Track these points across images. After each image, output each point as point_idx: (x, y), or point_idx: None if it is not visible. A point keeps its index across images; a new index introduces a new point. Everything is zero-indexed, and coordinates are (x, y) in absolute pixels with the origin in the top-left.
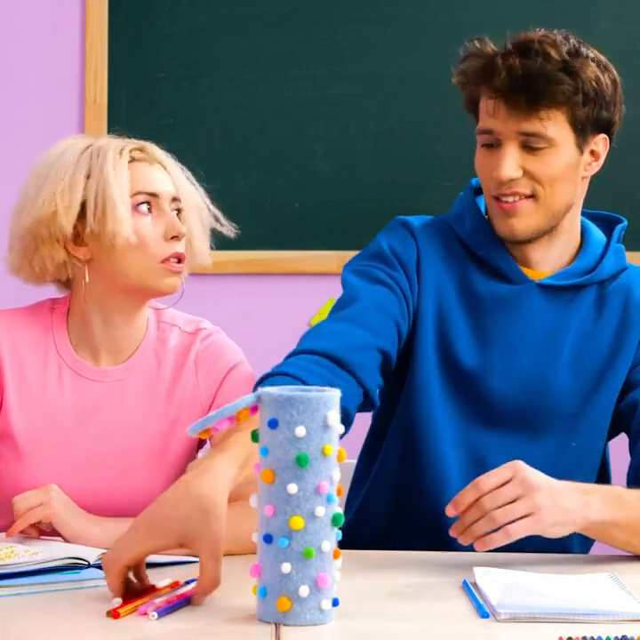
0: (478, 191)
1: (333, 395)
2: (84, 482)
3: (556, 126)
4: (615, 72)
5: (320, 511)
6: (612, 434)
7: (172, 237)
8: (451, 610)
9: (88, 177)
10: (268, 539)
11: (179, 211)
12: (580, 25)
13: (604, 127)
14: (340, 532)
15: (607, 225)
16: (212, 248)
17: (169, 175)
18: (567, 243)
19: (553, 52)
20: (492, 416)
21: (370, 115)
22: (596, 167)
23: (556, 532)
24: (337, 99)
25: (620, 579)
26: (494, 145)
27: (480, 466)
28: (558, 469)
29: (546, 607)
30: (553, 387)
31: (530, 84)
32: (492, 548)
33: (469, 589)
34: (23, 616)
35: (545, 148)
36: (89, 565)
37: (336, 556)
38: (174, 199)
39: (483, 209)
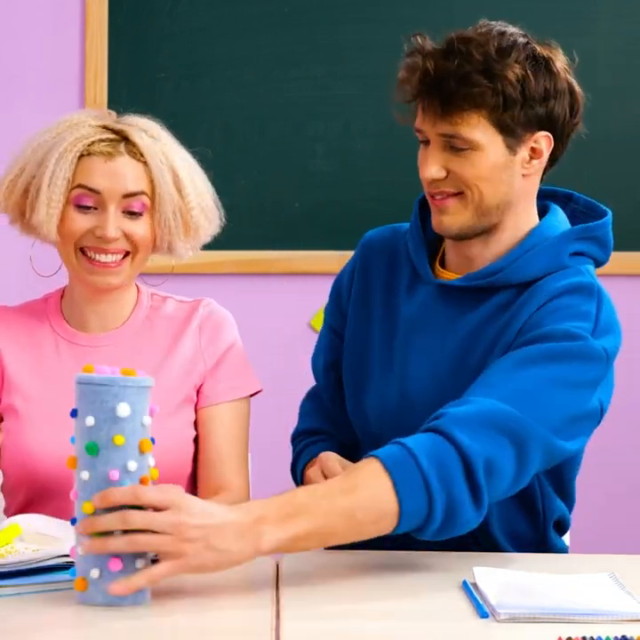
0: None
1: (126, 387)
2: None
3: (476, 128)
4: (561, 63)
5: None
6: None
7: (99, 237)
8: (450, 610)
9: (39, 165)
10: (73, 522)
11: (144, 206)
12: (580, 25)
13: (544, 125)
14: None
15: (593, 218)
16: (211, 248)
17: (138, 166)
18: (509, 240)
19: (475, 53)
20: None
21: (370, 115)
22: (539, 165)
23: (215, 568)
24: (337, 99)
25: (619, 579)
26: (426, 143)
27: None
28: None
29: (545, 607)
30: (438, 386)
31: (442, 86)
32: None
33: (469, 589)
34: (22, 615)
35: (468, 150)
36: None
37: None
38: (131, 195)
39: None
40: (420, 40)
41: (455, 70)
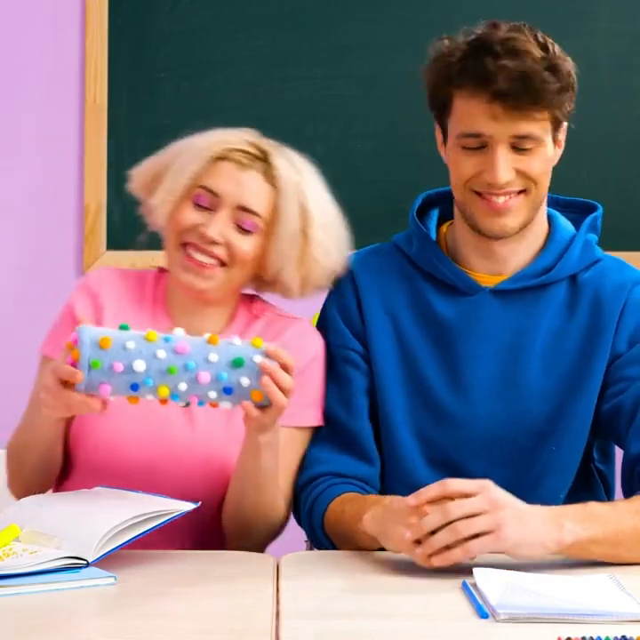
0: (422, 208)
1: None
2: (162, 433)
3: (544, 125)
4: None
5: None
6: (599, 436)
7: (201, 235)
8: (450, 610)
9: (176, 155)
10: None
11: (255, 227)
12: (580, 25)
13: (569, 116)
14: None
15: (581, 213)
16: None
17: (266, 187)
18: (537, 235)
19: (534, 50)
20: (465, 435)
21: (370, 115)
22: (559, 155)
23: (523, 553)
24: (337, 99)
25: (619, 579)
26: (479, 148)
27: (450, 467)
28: (533, 475)
29: (545, 607)
30: (525, 390)
31: (527, 86)
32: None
33: (469, 590)
34: (22, 616)
35: (533, 148)
36: (88, 564)
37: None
38: (246, 210)
39: (433, 223)
40: (452, 41)
41: (531, 69)
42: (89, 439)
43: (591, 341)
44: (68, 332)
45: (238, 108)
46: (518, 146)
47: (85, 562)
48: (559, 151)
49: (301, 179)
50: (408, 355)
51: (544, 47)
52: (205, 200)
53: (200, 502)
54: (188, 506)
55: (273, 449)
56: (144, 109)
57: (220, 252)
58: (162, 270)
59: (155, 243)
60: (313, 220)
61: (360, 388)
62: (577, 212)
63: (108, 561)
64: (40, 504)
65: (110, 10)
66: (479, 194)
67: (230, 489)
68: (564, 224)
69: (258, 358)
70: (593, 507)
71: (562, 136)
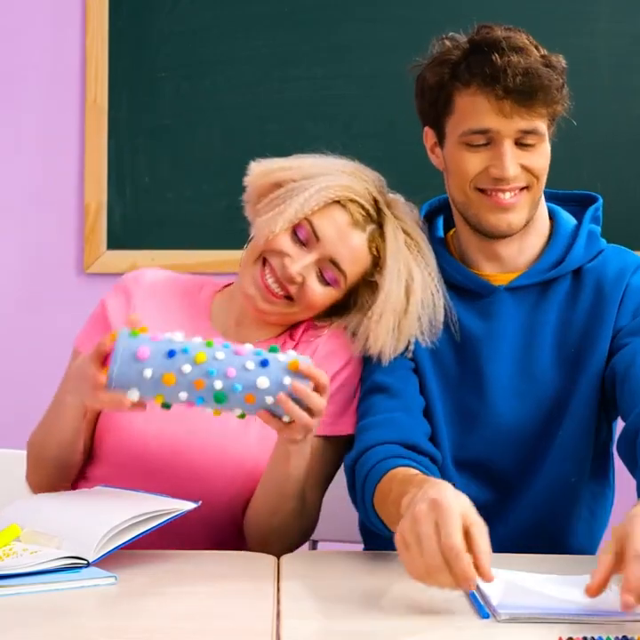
0: (434, 213)
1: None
2: (193, 431)
3: (543, 121)
4: None
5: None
6: (611, 415)
7: (282, 270)
8: (451, 610)
9: (305, 177)
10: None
11: (336, 282)
12: (579, 25)
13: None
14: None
15: (580, 206)
16: (213, 247)
17: (364, 253)
18: (540, 230)
19: (532, 49)
20: (490, 435)
21: (371, 115)
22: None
23: None
24: (337, 99)
25: (620, 579)
26: (483, 144)
27: (477, 466)
28: (545, 460)
29: (546, 607)
30: (538, 382)
31: (536, 81)
32: None
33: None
34: (22, 616)
35: (535, 144)
36: (88, 564)
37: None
38: (334, 263)
39: (440, 230)
40: (453, 41)
41: (534, 65)
42: (116, 432)
43: (594, 325)
44: (98, 328)
45: (238, 108)
46: (522, 141)
47: (86, 562)
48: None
49: (413, 260)
50: (438, 359)
51: (537, 46)
52: (305, 235)
53: (200, 502)
54: (189, 505)
55: (303, 457)
56: (144, 109)
57: (292, 288)
58: (212, 282)
59: (156, 242)
60: (416, 299)
61: (411, 370)
62: (577, 204)
63: (108, 561)
64: (40, 504)
65: (110, 10)
66: (484, 192)
67: (256, 495)
68: (566, 217)
69: (287, 379)
70: None
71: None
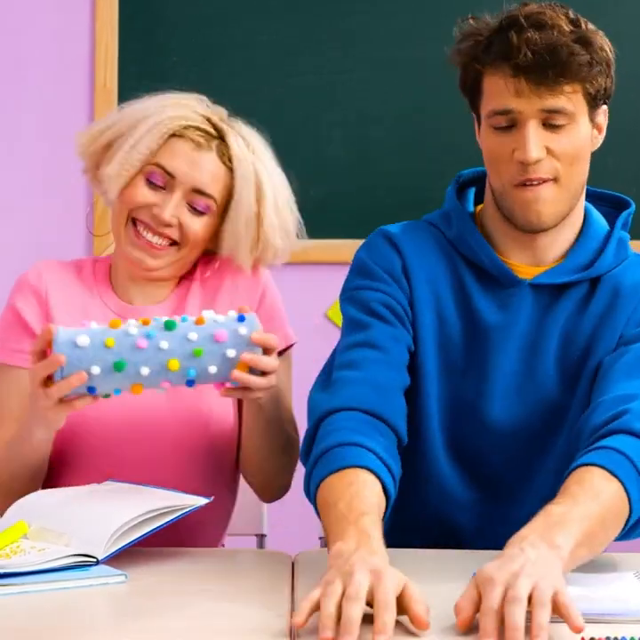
0: (465, 184)
1: (59, 330)
2: (144, 410)
3: (573, 100)
4: None
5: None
6: None
7: (154, 215)
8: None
9: (130, 127)
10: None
11: (209, 209)
12: (603, 8)
13: (608, 97)
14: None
15: (614, 208)
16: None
17: (221, 169)
18: (573, 227)
19: (563, 24)
20: (485, 429)
21: (385, 101)
22: (599, 141)
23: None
24: (352, 84)
25: None
26: (510, 127)
27: (469, 459)
28: (544, 467)
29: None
30: (540, 384)
31: (553, 57)
32: None
33: None
34: (31, 615)
35: (565, 125)
36: (97, 562)
37: (199, 322)
38: (200, 192)
39: (471, 204)
40: (478, 21)
41: (556, 40)
42: (72, 428)
43: (601, 334)
44: (18, 336)
45: (251, 93)
46: (550, 122)
47: (95, 560)
48: (599, 137)
49: (256, 159)
50: (444, 340)
51: (575, 22)
52: (159, 179)
53: (213, 497)
54: (201, 500)
55: (273, 401)
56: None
57: (171, 233)
58: (96, 259)
59: None
60: (268, 202)
61: (406, 343)
62: (608, 205)
63: (117, 558)
64: (48, 500)
65: None
66: (518, 186)
67: (245, 448)
68: (598, 218)
69: (231, 353)
70: (555, 511)
71: (601, 120)
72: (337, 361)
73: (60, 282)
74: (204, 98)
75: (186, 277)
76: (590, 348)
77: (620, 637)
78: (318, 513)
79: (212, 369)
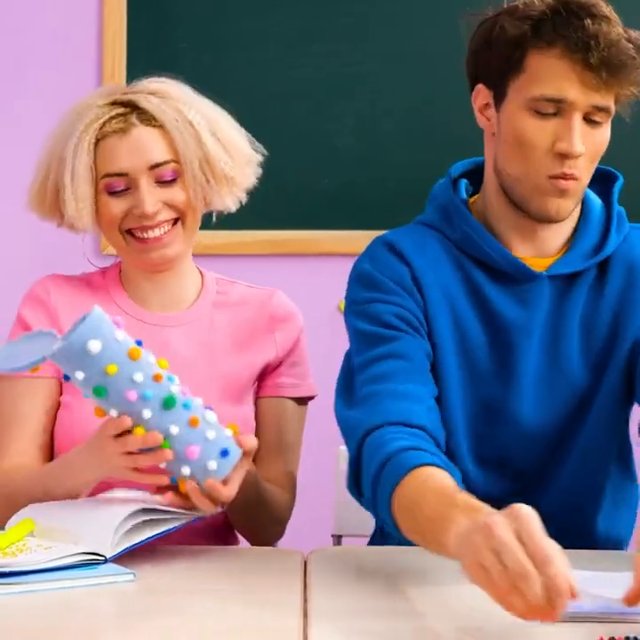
0: (460, 176)
1: (81, 328)
2: None
3: (615, 100)
4: None
5: (146, 413)
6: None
7: (139, 216)
8: (486, 607)
9: (60, 162)
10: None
11: (176, 173)
12: None
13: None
14: (189, 400)
15: (601, 182)
16: (233, 227)
17: (155, 133)
18: (573, 216)
19: (616, 21)
20: (515, 431)
21: (397, 92)
22: None
23: None
24: (363, 75)
25: None
26: (552, 114)
27: (497, 461)
28: (570, 460)
29: (588, 606)
30: (565, 375)
31: (620, 57)
32: None
33: None
34: (37, 615)
35: (602, 122)
36: (105, 561)
37: (193, 423)
38: (157, 165)
39: (464, 193)
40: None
41: (618, 39)
42: (67, 427)
43: (624, 312)
44: None
45: (261, 83)
46: (591, 117)
47: (103, 558)
48: None
49: (173, 101)
50: (465, 346)
51: (616, 20)
52: (118, 185)
53: (226, 506)
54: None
55: (251, 480)
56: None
57: (165, 215)
58: (104, 268)
59: None
60: (206, 140)
61: (427, 353)
62: (597, 180)
63: (125, 557)
64: None
65: None
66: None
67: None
68: (593, 198)
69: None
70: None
71: None
72: (363, 376)
73: (69, 295)
74: (101, 88)
75: (206, 282)
76: (615, 330)
77: (639, 637)
78: (395, 523)
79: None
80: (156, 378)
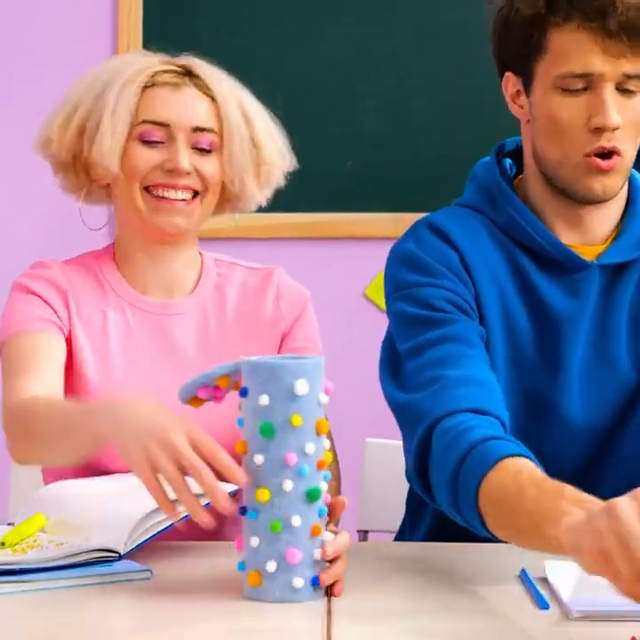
0: (503, 156)
1: (303, 363)
2: None
3: None
4: None
5: (288, 485)
6: None
7: (169, 171)
8: (512, 606)
9: (96, 100)
10: (242, 511)
11: (213, 144)
12: None
13: None
14: (325, 507)
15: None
16: (262, 209)
17: (205, 101)
18: (618, 201)
19: None
20: (561, 427)
21: (426, 68)
22: None
23: None
24: (390, 51)
25: None
26: (582, 90)
27: (541, 457)
28: (616, 457)
29: (622, 605)
30: (614, 370)
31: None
32: None
33: (529, 580)
34: (50, 612)
35: (636, 92)
36: (120, 557)
37: (314, 532)
38: (200, 129)
39: (508, 176)
40: None
41: (634, 0)
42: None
43: None
44: (36, 307)
45: (283, 60)
46: (624, 86)
47: (117, 555)
48: None
49: (226, 79)
50: (512, 336)
51: None
52: (155, 134)
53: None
54: (230, 486)
55: None
56: None
57: (192, 182)
58: (96, 251)
59: None
60: (256, 123)
61: (481, 337)
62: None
63: (140, 553)
64: (67, 491)
65: None
66: (587, 155)
67: None
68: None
69: None
70: None
71: None
72: (419, 360)
73: (77, 281)
74: (144, 51)
75: (206, 262)
76: None
77: None
78: (480, 517)
79: None
80: (320, 465)
